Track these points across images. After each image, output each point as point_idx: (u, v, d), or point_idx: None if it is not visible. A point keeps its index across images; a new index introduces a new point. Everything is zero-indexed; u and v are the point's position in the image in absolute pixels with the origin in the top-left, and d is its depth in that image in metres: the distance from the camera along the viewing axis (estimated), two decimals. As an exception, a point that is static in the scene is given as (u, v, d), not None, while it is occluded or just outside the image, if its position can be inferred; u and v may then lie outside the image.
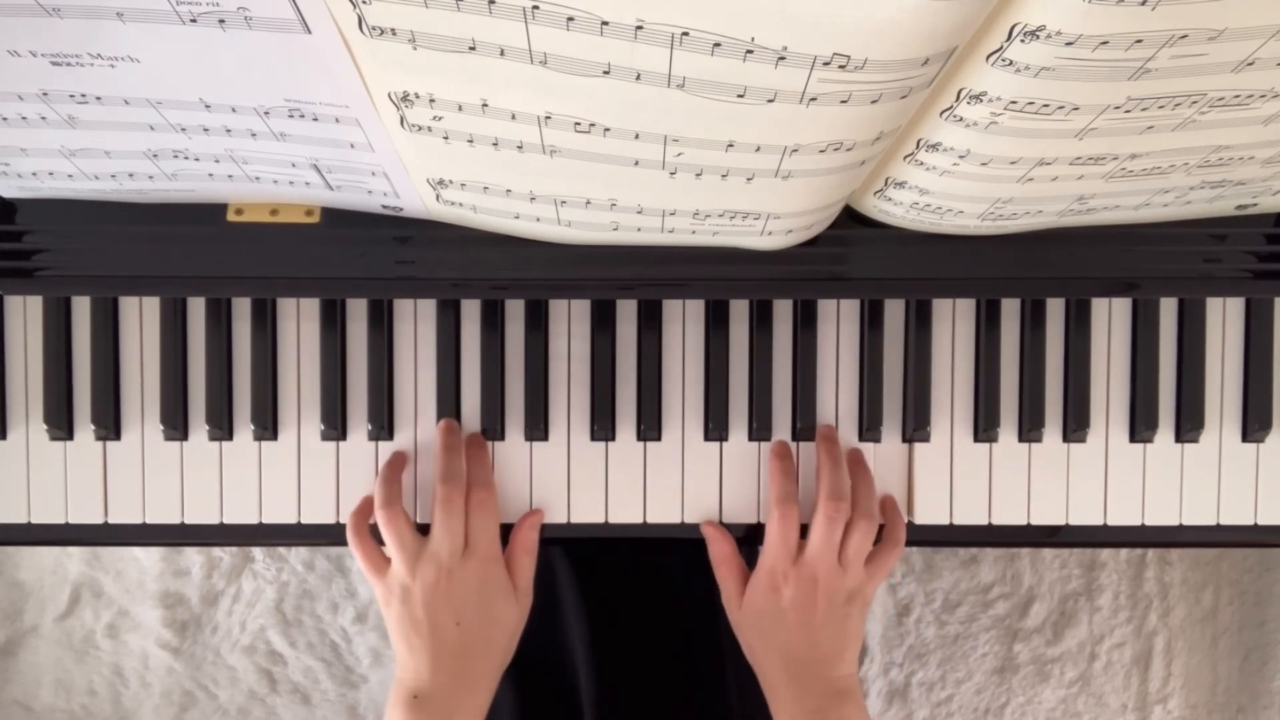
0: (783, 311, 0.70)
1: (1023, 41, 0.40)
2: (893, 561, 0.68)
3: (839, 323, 0.70)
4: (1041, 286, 0.66)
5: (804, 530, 0.67)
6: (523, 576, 0.67)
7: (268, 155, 0.54)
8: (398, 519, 0.65)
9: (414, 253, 0.63)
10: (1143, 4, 0.36)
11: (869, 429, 0.70)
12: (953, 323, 0.70)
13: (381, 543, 0.66)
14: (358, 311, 0.69)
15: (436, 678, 0.62)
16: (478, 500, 0.66)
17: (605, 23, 0.38)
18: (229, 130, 0.51)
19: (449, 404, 0.69)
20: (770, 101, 0.42)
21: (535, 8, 0.38)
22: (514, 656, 0.68)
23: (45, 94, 0.48)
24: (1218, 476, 0.70)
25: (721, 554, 0.69)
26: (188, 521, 0.69)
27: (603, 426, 0.69)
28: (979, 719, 1.35)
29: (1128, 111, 0.45)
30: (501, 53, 0.41)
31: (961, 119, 0.47)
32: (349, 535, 0.67)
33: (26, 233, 0.62)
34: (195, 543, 0.70)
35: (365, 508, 0.68)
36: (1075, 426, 0.69)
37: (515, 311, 0.69)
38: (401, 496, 0.67)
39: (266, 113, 0.49)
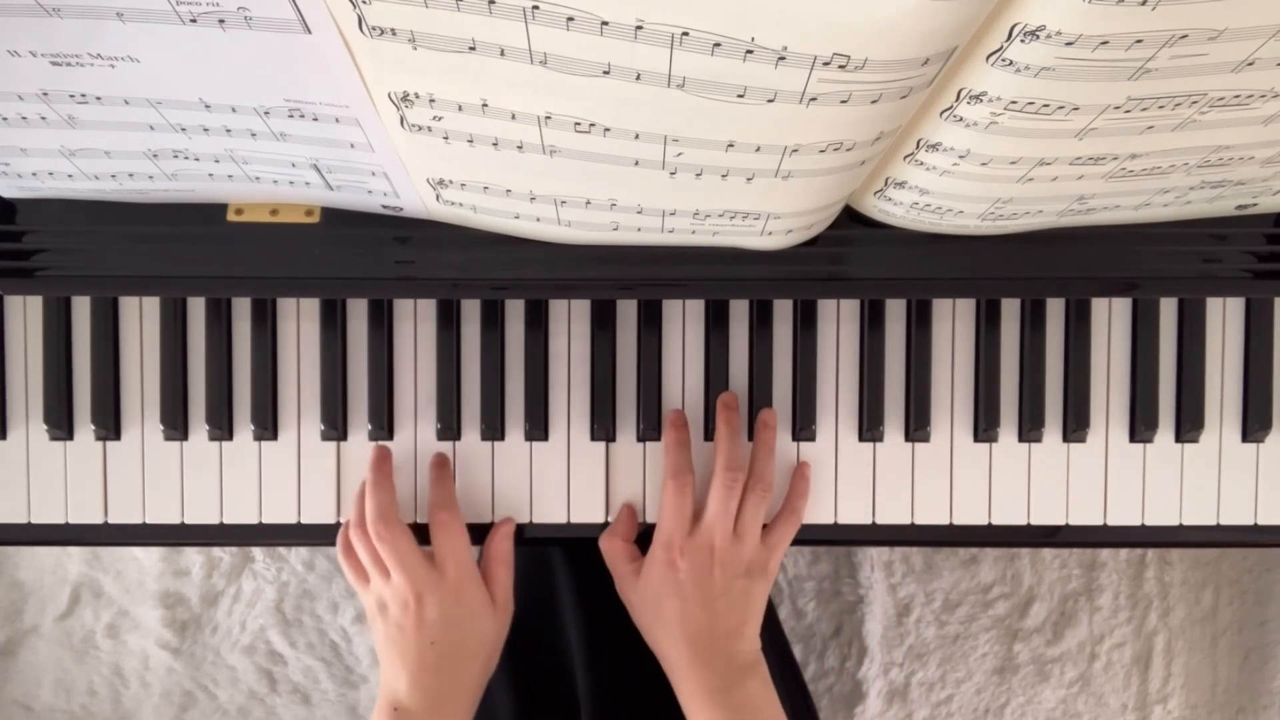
0: (783, 311, 0.70)
1: (1023, 41, 0.40)
2: (790, 532, 0.67)
3: (839, 323, 0.70)
4: (1041, 286, 0.66)
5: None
6: (500, 588, 0.67)
7: (268, 155, 0.54)
8: (368, 539, 0.65)
9: (414, 253, 0.63)
10: (1143, 4, 0.36)
11: (869, 429, 0.69)
12: (953, 323, 0.70)
13: None
14: (358, 311, 0.69)
15: (414, 693, 0.63)
16: (438, 522, 0.66)
17: (605, 23, 0.38)
18: (229, 130, 0.51)
19: (449, 404, 0.69)
20: (770, 101, 0.42)
21: (535, 8, 0.38)
22: (511, 656, 0.68)
23: (45, 94, 0.48)
24: (1218, 476, 0.70)
25: (607, 535, 0.68)
26: (188, 521, 0.69)
27: (603, 426, 0.69)
28: (979, 719, 1.35)
29: (1128, 111, 0.45)
30: (501, 53, 0.41)
31: (961, 119, 0.47)
32: (339, 549, 0.68)
33: (26, 233, 0.62)
34: (195, 543, 0.70)
35: (359, 521, 0.68)
36: (1075, 426, 0.69)
37: (515, 311, 0.69)
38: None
39: (266, 113, 0.49)
